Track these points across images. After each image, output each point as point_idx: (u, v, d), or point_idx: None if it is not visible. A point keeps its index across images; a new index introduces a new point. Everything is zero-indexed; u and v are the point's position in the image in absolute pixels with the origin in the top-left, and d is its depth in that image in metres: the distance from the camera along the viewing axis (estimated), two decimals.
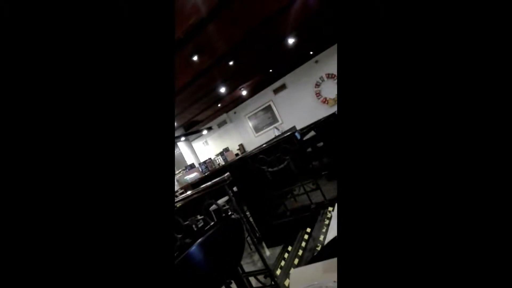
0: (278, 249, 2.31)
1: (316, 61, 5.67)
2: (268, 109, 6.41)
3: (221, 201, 2.51)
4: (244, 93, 5.64)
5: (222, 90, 4.66)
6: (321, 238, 1.84)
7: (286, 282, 1.59)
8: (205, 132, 7.16)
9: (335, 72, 5.53)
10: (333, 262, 0.58)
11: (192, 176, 4.14)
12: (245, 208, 2.72)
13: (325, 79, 5.67)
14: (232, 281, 0.99)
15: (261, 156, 2.34)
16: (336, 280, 0.50)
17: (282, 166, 2.26)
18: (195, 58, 3.05)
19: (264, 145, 2.49)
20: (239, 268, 1.42)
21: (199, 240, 0.73)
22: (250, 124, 6.70)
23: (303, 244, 2.00)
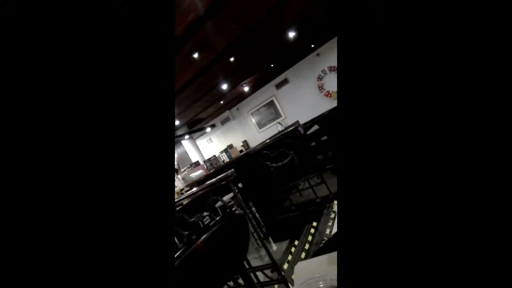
0: (284, 244, 2.32)
1: (318, 54, 5.61)
2: (271, 104, 6.39)
3: (226, 198, 2.53)
4: (246, 89, 5.63)
5: (224, 87, 4.65)
6: (327, 231, 1.85)
7: (294, 277, 1.60)
8: (208, 129, 7.19)
9: None
10: (336, 255, 0.58)
11: (198, 173, 4.17)
12: (251, 204, 2.73)
13: (328, 72, 5.61)
14: (239, 277, 1.00)
15: (265, 151, 2.34)
16: None
17: (286, 161, 2.26)
18: (195, 55, 3.04)
19: (267, 141, 2.49)
20: (245, 262, 1.43)
21: (204, 236, 0.73)
22: (253, 120, 6.69)
23: (310, 238, 2.00)
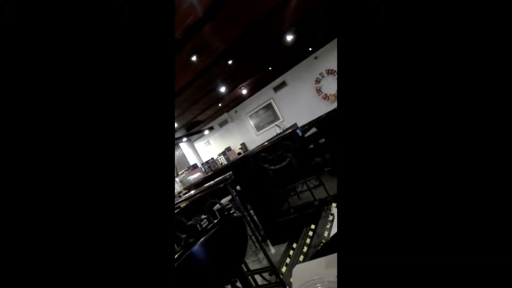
0: (283, 247, 2.32)
1: (316, 57, 5.64)
2: (269, 107, 6.40)
3: (224, 200, 2.51)
4: (244, 92, 5.64)
5: (222, 89, 4.66)
6: (325, 234, 1.84)
7: (292, 279, 1.59)
8: (206, 132, 7.17)
9: (335, 68, 5.50)
10: (334, 257, 0.58)
11: (195, 176, 4.15)
12: (249, 206, 2.72)
13: (325, 75, 5.64)
14: (237, 280, 0.99)
15: (263, 154, 2.34)
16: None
17: (284, 163, 2.26)
18: (193, 58, 3.05)
19: (266, 143, 2.49)
20: (243, 266, 1.42)
21: (202, 239, 0.73)
22: (252, 122, 6.69)
23: (308, 240, 1.99)
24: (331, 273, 0.51)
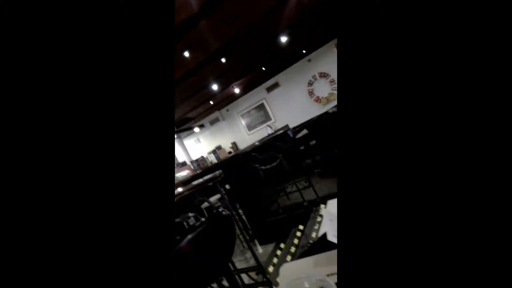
0: (270, 247, 2.32)
1: (309, 60, 5.69)
2: (261, 107, 6.41)
3: (213, 199, 2.50)
4: (236, 90, 5.62)
5: (214, 87, 4.62)
6: (313, 235, 1.86)
7: (279, 279, 1.60)
8: (197, 129, 7.11)
9: (328, 71, 5.57)
10: (322, 256, 0.58)
11: (184, 174, 4.11)
12: (238, 206, 2.71)
13: (318, 78, 5.70)
14: (224, 278, 0.98)
15: (253, 154, 2.33)
16: (327, 274, 0.50)
17: (274, 164, 2.26)
18: (186, 54, 3.02)
19: (257, 143, 2.49)
20: (230, 264, 1.41)
21: (189, 236, 0.72)
22: (243, 122, 6.68)
23: (296, 241, 2.01)
24: (319, 272, 0.51)
